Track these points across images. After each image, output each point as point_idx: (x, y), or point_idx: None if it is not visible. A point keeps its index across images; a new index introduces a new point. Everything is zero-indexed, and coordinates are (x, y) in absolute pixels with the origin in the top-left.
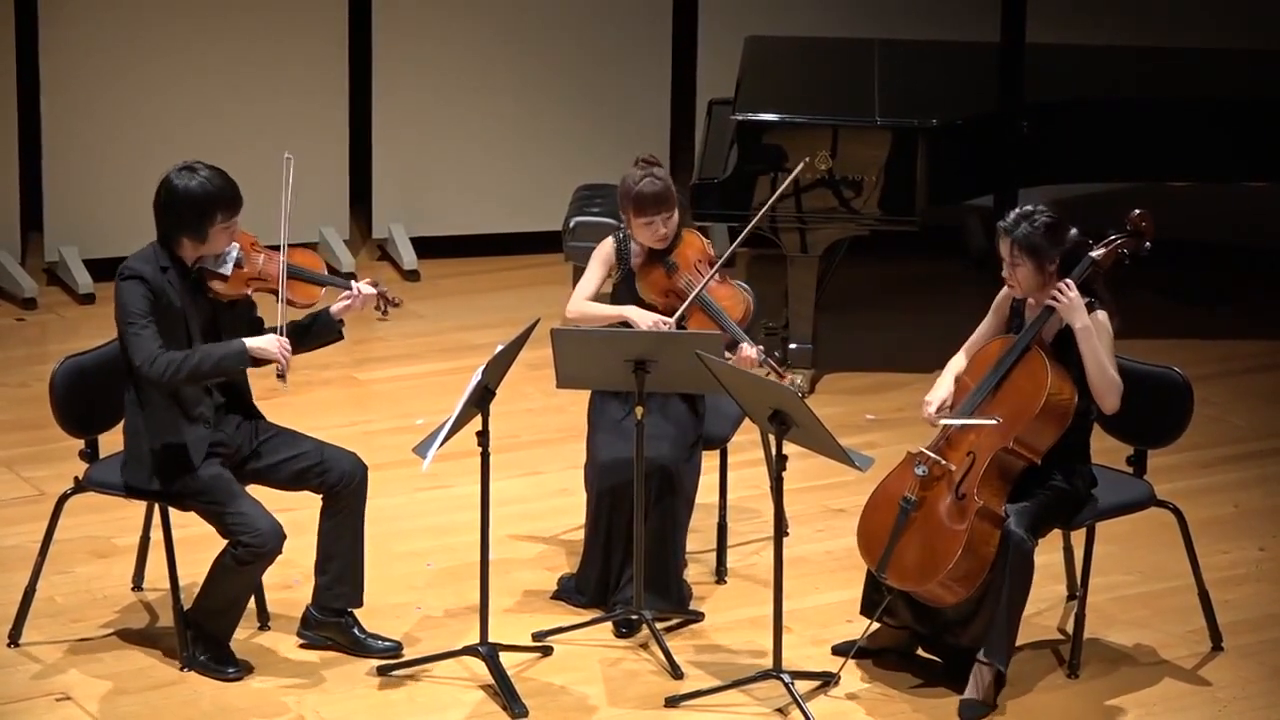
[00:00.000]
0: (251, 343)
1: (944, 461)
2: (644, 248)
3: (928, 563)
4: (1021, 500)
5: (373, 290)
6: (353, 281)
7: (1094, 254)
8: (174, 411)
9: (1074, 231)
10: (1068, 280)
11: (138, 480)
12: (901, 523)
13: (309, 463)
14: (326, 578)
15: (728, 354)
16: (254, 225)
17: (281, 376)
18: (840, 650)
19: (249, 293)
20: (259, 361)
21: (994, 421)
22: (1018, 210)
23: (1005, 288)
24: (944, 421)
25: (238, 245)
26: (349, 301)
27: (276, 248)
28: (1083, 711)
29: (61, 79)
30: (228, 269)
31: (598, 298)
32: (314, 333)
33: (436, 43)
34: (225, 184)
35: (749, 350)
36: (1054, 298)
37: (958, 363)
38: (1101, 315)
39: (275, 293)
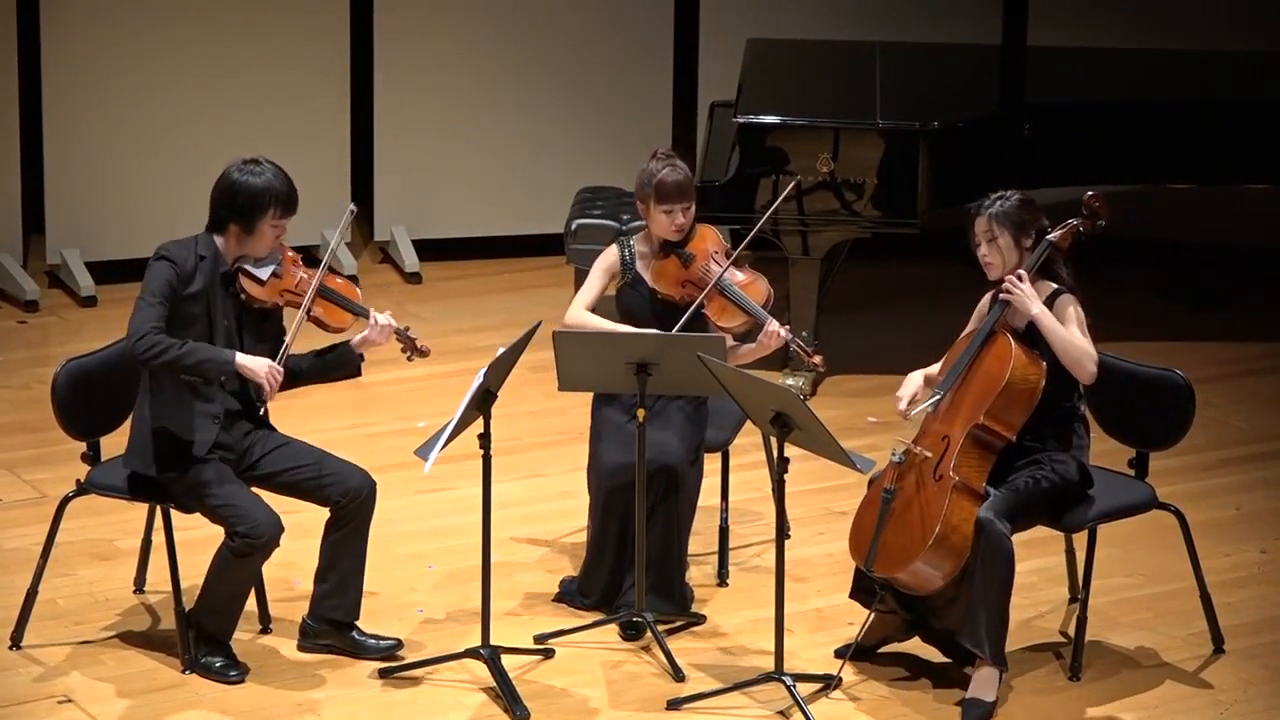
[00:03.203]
0: (242, 359)
1: (918, 448)
2: (655, 244)
3: (909, 543)
4: (1005, 490)
5: (390, 321)
6: (370, 310)
7: (1051, 237)
8: (185, 402)
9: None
10: (1019, 272)
11: (138, 467)
12: (884, 513)
13: (310, 475)
14: (324, 587)
15: (746, 344)
16: None
17: (261, 401)
18: (842, 653)
19: (280, 303)
20: (244, 380)
21: (940, 395)
22: (989, 196)
23: (986, 296)
24: (914, 411)
25: (281, 257)
26: (367, 332)
27: (317, 265)
28: (1084, 714)
29: (63, 82)
30: (265, 274)
31: (596, 305)
32: (331, 363)
33: (438, 45)
34: (285, 183)
35: (777, 328)
36: (1006, 290)
37: (934, 367)
38: (1064, 300)
39: (305, 311)
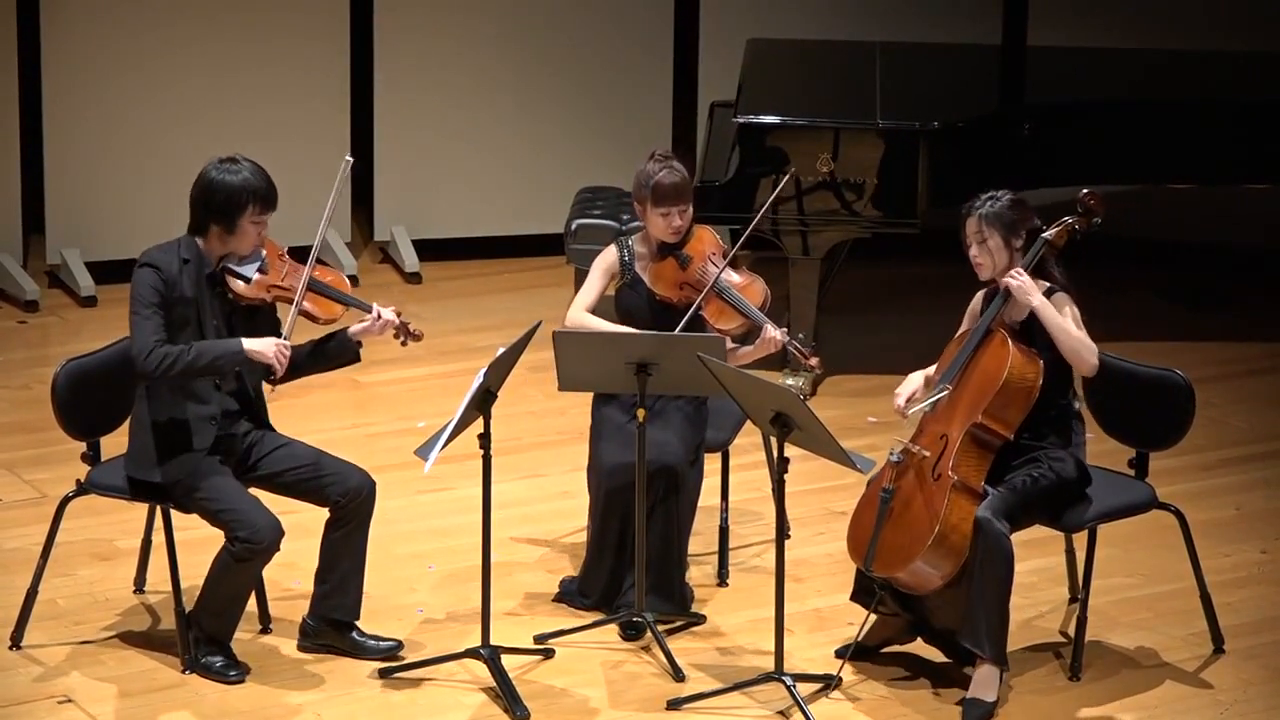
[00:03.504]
0: (249, 344)
1: (916, 448)
2: (653, 246)
3: (908, 543)
4: (1004, 489)
5: (394, 317)
6: (374, 305)
7: (1046, 234)
8: (181, 405)
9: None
10: (1018, 267)
11: (139, 471)
12: (882, 513)
13: (310, 475)
14: (325, 588)
15: (745, 346)
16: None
17: (273, 381)
18: (842, 653)
19: (268, 299)
20: (255, 363)
21: (948, 389)
22: (979, 196)
23: (977, 296)
24: (912, 410)
25: (265, 252)
26: (368, 324)
27: (304, 261)
28: (1084, 714)
29: (64, 82)
30: (251, 272)
31: (597, 305)
32: (330, 352)
33: (438, 45)
34: (263, 179)
35: (773, 332)
36: (1008, 280)
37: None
38: (1060, 298)
39: (296, 305)
